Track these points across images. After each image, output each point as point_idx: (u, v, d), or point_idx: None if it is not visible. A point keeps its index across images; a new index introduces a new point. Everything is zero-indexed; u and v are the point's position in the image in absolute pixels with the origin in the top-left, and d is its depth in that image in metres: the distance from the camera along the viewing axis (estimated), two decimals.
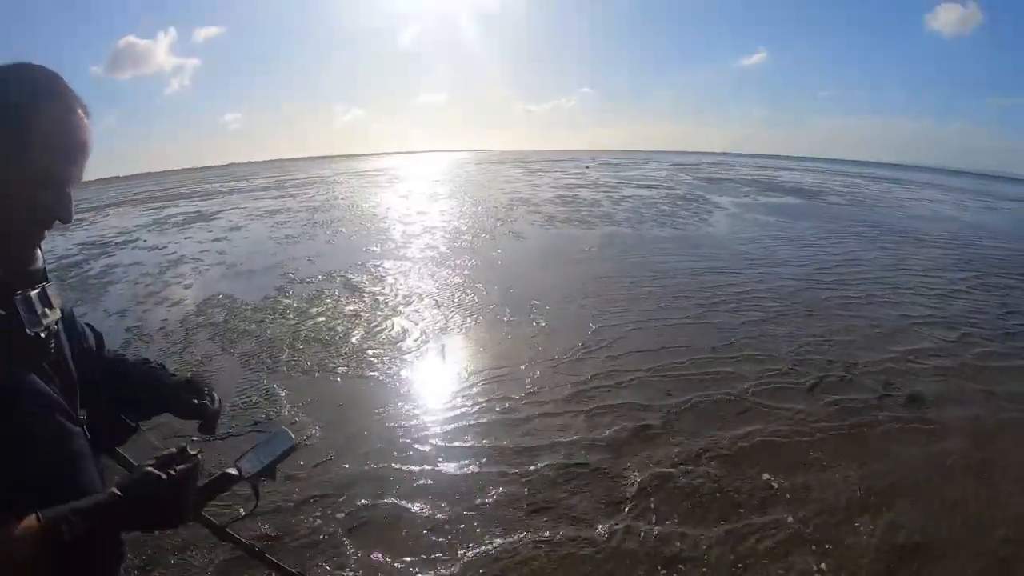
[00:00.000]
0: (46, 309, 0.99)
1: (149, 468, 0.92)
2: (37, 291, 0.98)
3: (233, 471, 1.36)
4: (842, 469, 3.78)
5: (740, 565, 2.95)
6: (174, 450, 0.97)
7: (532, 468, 3.79)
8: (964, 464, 3.89)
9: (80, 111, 0.96)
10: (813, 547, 3.07)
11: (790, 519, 3.27)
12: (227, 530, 1.45)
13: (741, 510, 3.37)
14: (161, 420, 1.37)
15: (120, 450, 1.30)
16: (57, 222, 0.97)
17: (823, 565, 2.94)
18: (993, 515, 3.37)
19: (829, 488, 3.58)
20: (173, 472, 0.93)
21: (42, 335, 0.97)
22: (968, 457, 3.97)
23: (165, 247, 12.41)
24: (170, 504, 0.93)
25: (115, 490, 0.88)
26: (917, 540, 3.14)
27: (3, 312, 0.91)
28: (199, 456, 0.99)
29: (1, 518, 0.79)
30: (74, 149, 0.95)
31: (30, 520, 0.80)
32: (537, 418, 4.49)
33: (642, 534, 3.16)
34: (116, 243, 13.17)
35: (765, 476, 3.69)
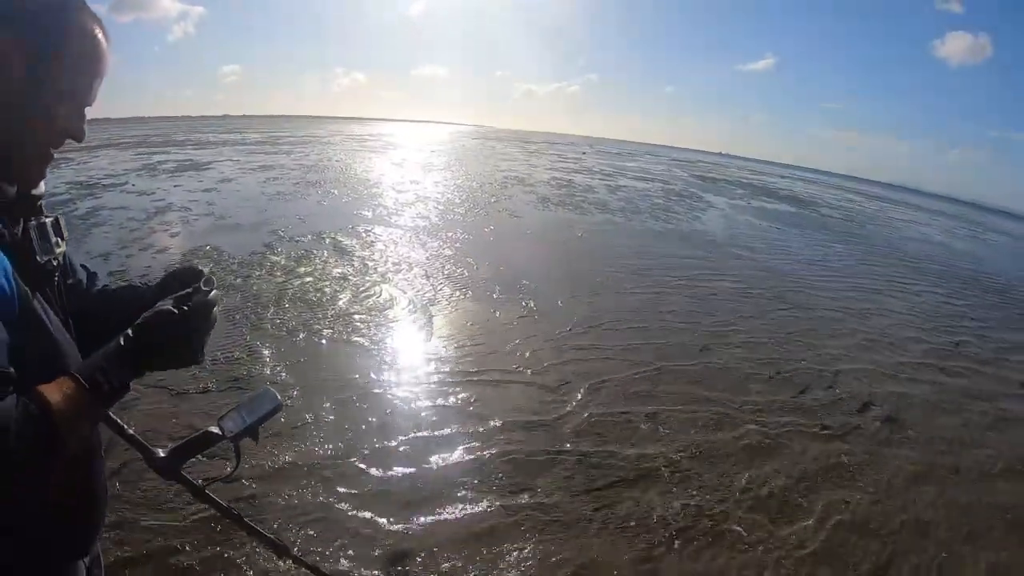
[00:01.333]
0: (58, 239, 1.00)
1: (165, 306, 0.95)
2: (51, 219, 0.99)
3: (215, 429, 1.29)
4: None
5: None
6: (190, 290, 1.01)
7: (519, 442, 3.78)
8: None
9: (102, 33, 0.96)
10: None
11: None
12: (206, 491, 1.39)
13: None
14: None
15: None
16: (70, 140, 0.96)
17: None
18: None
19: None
20: (186, 307, 0.96)
21: (54, 263, 0.98)
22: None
23: (154, 193, 12.12)
24: (183, 340, 0.96)
25: (129, 332, 0.91)
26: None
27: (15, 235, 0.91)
28: (214, 292, 1.02)
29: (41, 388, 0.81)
30: (95, 69, 0.95)
31: (66, 381, 0.83)
32: (520, 390, 4.53)
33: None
34: (104, 185, 12.79)
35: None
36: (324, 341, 5.15)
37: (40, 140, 0.92)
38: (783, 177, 50.88)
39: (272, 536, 1.58)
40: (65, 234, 1.03)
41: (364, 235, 9.35)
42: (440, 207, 12.82)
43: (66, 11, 0.91)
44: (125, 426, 1.32)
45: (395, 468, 3.49)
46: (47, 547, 0.95)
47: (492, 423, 4.04)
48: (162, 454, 1.31)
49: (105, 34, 0.97)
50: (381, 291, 6.57)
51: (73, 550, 1.06)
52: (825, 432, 4.52)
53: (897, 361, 6.30)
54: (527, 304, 6.56)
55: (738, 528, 3.28)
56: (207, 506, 1.43)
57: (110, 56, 0.97)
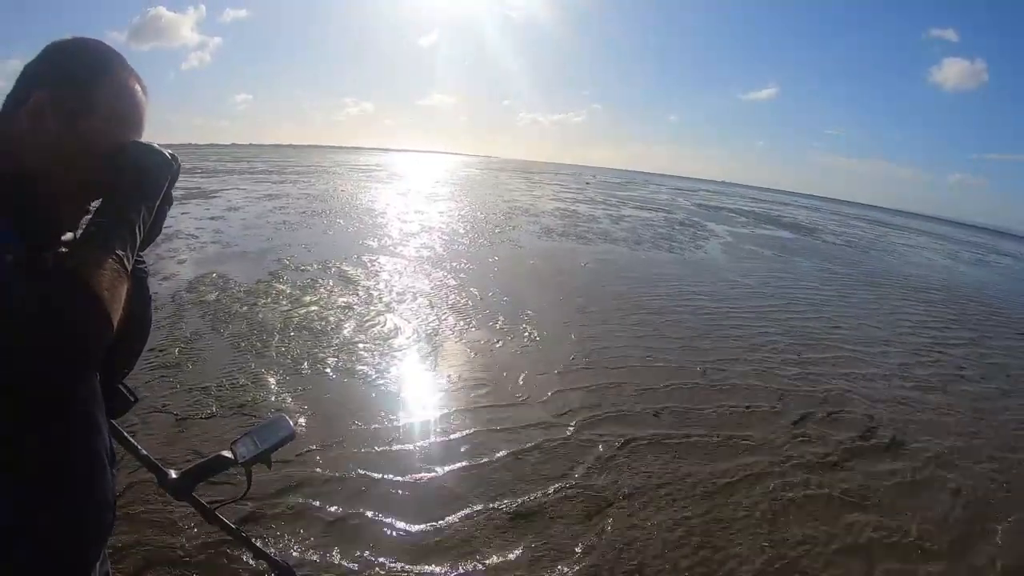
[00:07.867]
0: None
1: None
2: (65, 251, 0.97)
3: (228, 454, 1.34)
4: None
5: None
6: None
7: (522, 471, 3.78)
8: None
9: (140, 88, 0.98)
10: None
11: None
12: (216, 512, 1.43)
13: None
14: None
15: (115, 423, 1.27)
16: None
17: None
18: None
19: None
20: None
21: None
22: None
23: None
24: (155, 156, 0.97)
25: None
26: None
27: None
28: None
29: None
30: (130, 126, 0.97)
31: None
32: (523, 420, 4.50)
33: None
34: None
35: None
36: (329, 370, 5.17)
37: (71, 192, 0.93)
38: (785, 204, 51.36)
39: (278, 559, 1.61)
40: None
41: (369, 265, 9.44)
42: (445, 237, 12.93)
43: (104, 69, 0.94)
44: (139, 447, 1.37)
45: (400, 497, 3.49)
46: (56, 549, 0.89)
47: (495, 454, 4.04)
48: (174, 475, 1.35)
49: (144, 92, 0.99)
50: (386, 320, 6.62)
51: (83, 556, 0.99)
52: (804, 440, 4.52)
53: None
54: (530, 334, 6.60)
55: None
56: (215, 528, 1.47)
57: (147, 112, 0.99)
